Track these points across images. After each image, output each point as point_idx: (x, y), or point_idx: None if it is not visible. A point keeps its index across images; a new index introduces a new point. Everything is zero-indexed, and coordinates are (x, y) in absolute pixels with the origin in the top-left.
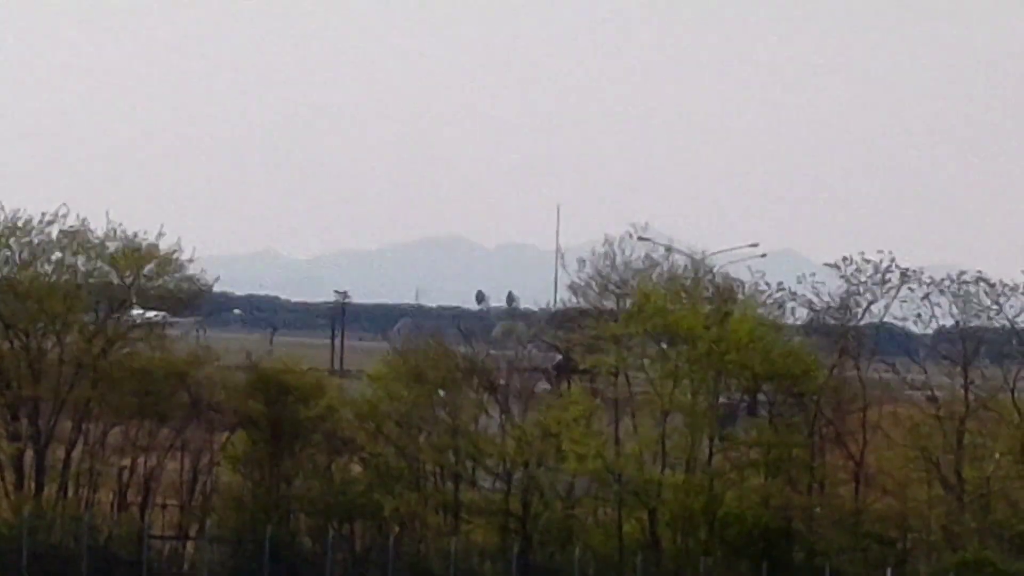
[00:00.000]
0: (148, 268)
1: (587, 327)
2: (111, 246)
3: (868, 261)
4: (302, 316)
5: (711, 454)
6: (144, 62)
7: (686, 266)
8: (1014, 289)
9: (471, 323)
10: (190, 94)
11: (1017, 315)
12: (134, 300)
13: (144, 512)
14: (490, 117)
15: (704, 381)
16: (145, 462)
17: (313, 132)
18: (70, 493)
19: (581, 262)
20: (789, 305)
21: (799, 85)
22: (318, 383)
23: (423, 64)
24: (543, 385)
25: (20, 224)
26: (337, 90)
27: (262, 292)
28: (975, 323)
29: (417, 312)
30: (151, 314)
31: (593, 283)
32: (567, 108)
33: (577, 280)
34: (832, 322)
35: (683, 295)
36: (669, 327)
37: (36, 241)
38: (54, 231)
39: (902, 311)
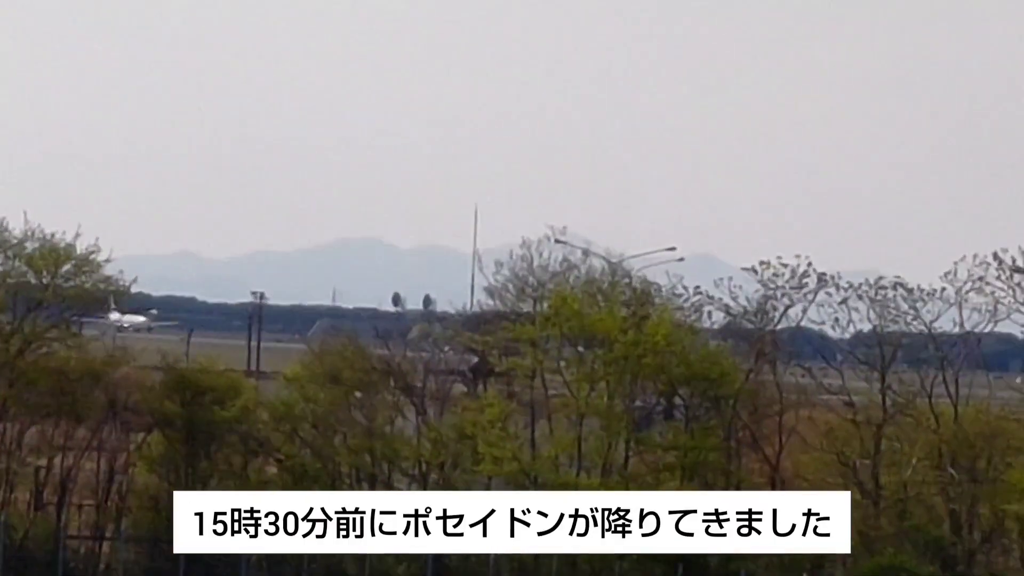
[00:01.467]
0: (65, 268)
1: (504, 330)
2: (29, 246)
3: (785, 265)
4: (219, 317)
5: (627, 457)
6: (59, 61)
7: (603, 269)
8: (932, 294)
9: (387, 325)
10: (107, 94)
11: (935, 320)
12: (114, 306)
13: (60, 512)
14: (406, 118)
15: (620, 384)
16: (62, 462)
17: (230, 134)
18: None
19: (498, 265)
20: (706, 309)
21: (717, 89)
22: (234, 384)
23: (340, 66)
24: (459, 387)
25: None
26: (254, 91)
27: (179, 293)
28: (892, 328)
29: (334, 313)
30: (133, 319)
31: (510, 286)
32: (484, 110)
33: (494, 283)
34: (749, 326)
35: (600, 298)
36: (586, 330)
37: None
38: None
39: (819, 315)
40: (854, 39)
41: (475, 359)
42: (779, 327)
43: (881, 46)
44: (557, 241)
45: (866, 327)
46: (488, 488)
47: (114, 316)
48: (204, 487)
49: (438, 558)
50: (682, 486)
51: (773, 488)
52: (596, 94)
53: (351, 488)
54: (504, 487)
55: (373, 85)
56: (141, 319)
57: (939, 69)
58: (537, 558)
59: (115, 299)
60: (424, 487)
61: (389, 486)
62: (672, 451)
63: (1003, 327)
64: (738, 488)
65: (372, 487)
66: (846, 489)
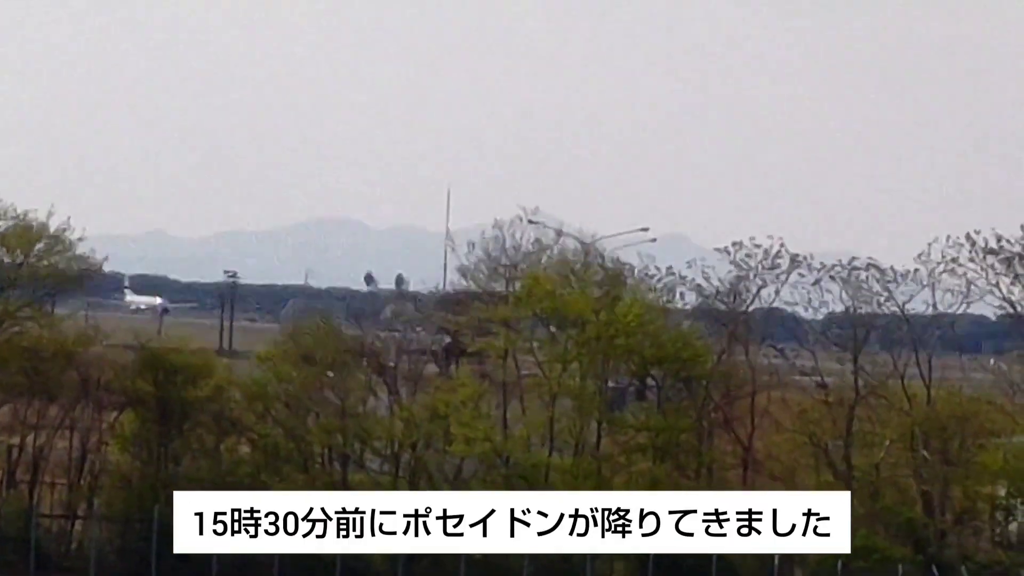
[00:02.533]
0: (38, 247)
1: (476, 310)
2: (1, 225)
3: (758, 246)
4: (191, 296)
5: (599, 438)
6: (30, 38)
7: (576, 250)
8: (905, 276)
9: (360, 305)
10: (78, 72)
11: (907, 301)
12: (127, 286)
13: (33, 490)
14: (380, 97)
15: (593, 365)
16: (34, 440)
17: (203, 111)
18: None
19: (471, 245)
20: (679, 290)
21: (689, 71)
22: (206, 363)
23: (313, 44)
24: (432, 367)
25: None
26: (227, 69)
27: (151, 272)
28: (865, 309)
29: (306, 293)
30: (149, 300)
31: (483, 266)
32: (457, 89)
33: (466, 263)
34: (722, 307)
35: (572, 279)
36: (558, 311)
37: None
38: None
39: (792, 297)
40: (824, 21)
41: (447, 339)
42: (752, 308)
43: (853, 29)
44: (530, 222)
45: (839, 308)
46: (460, 468)
47: (129, 298)
48: (177, 466)
49: None
50: (654, 466)
51: (745, 469)
52: (568, 75)
53: (323, 467)
54: (476, 466)
55: (346, 66)
56: (157, 300)
57: (911, 53)
58: None
59: (84, 277)
60: (396, 467)
61: (361, 466)
62: (644, 432)
63: (976, 308)
64: (709, 469)
65: (344, 467)
66: (816, 469)
